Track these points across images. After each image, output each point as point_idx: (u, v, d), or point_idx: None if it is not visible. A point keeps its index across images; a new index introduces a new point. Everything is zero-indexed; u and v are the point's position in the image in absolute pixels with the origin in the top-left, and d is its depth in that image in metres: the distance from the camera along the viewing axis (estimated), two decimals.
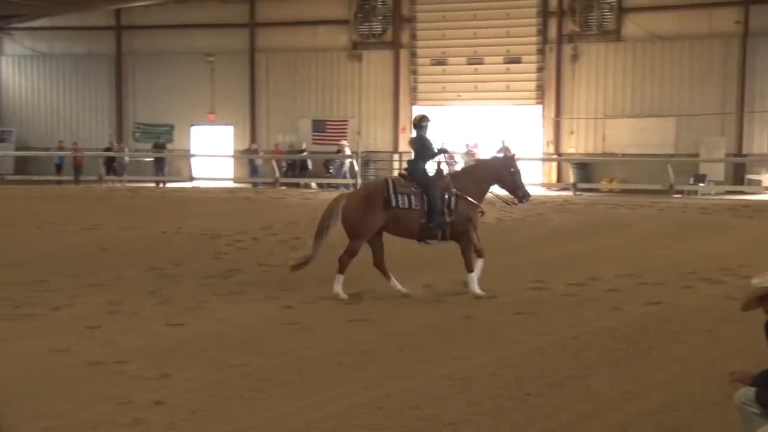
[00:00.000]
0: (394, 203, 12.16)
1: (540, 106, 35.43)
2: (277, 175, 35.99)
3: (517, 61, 35.59)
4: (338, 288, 12.01)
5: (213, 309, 11.33)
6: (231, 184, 37.37)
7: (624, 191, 31.80)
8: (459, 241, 12.40)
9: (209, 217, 23.34)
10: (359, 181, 34.46)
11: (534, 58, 35.45)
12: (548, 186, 34.36)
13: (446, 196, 12.24)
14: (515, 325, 10.48)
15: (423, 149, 12.61)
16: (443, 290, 12.63)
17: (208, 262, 15.46)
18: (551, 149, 35.18)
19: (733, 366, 8.26)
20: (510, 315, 11.05)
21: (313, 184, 35.75)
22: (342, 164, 36.34)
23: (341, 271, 12.15)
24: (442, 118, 36.81)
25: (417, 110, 36.71)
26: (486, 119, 36.08)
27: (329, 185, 35.30)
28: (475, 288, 12.17)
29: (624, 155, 33.32)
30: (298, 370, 8.40)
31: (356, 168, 34.84)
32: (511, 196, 13.11)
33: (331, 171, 36.73)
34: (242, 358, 8.72)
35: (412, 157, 12.76)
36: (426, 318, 10.88)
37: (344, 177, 35.58)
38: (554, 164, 35.10)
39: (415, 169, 12.52)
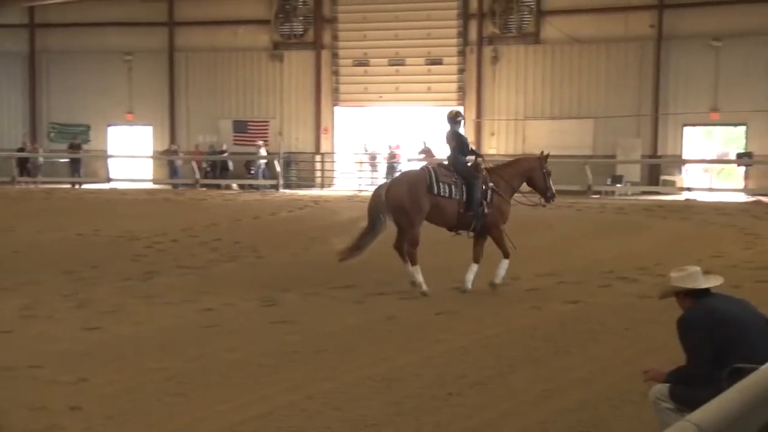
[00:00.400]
0: (435, 191, 12.56)
1: (461, 108, 35.73)
2: (198, 176, 35.60)
3: (439, 62, 35.84)
4: (419, 278, 12.40)
5: (131, 312, 11.16)
6: (150, 186, 36.83)
7: None
8: (490, 232, 12.90)
9: (127, 218, 22.97)
10: (281, 182, 34.31)
11: (455, 59, 35.72)
12: None
13: (484, 189, 12.74)
14: (438, 325, 10.56)
15: (461, 144, 13.13)
16: (367, 291, 12.64)
17: (127, 264, 15.22)
18: None
19: (650, 364, 8.47)
20: (432, 315, 11.12)
21: (235, 185, 35.45)
22: (258, 165, 36.14)
23: (414, 262, 12.50)
24: (364, 119, 36.98)
25: (339, 111, 36.85)
26: (408, 120, 36.25)
27: (251, 186, 35.05)
28: (501, 277, 12.70)
29: None
30: (219, 372, 8.32)
31: (278, 169, 34.66)
32: (538, 196, 13.81)
33: (252, 172, 36.48)
34: (161, 362, 8.61)
35: (450, 151, 13.22)
36: (349, 319, 10.88)
37: (261, 178, 35.39)
38: None
39: (456, 161, 13.02)
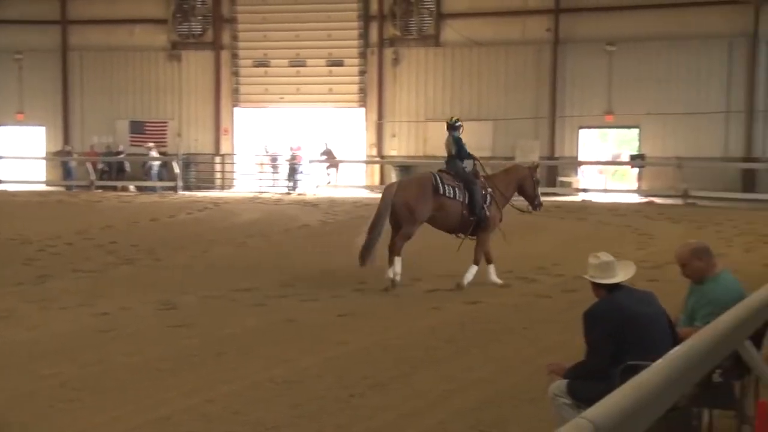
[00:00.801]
0: (442, 191, 13.16)
1: (363, 109, 35.80)
2: (93, 177, 34.81)
3: (340, 64, 35.86)
4: (398, 268, 12.90)
5: (24, 317, 10.85)
6: (43, 187, 35.84)
7: None
8: (479, 235, 13.44)
9: (19, 221, 22.32)
10: (180, 183, 33.81)
11: (356, 61, 35.78)
12: (371, 188, 34.76)
13: (484, 193, 13.43)
14: (339, 327, 10.55)
15: (460, 150, 13.72)
16: (268, 293, 12.55)
17: (18, 268, 14.77)
18: (374, 152, 35.60)
19: (549, 362, 8.62)
20: (334, 317, 11.10)
21: (132, 187, 34.77)
22: (150, 167, 35.58)
23: (398, 253, 12.97)
24: (265, 120, 36.72)
25: (239, 112, 36.53)
26: (309, 122, 36.16)
27: (149, 188, 34.44)
28: (469, 279, 13.17)
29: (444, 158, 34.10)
30: (116, 378, 8.15)
31: (177, 170, 34.13)
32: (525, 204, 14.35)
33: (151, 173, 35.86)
34: (56, 368, 8.39)
35: (448, 156, 13.85)
36: (249, 321, 10.78)
37: (155, 179, 34.87)
38: (377, 167, 35.53)
39: (455, 166, 13.63)
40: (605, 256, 6.12)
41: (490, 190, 13.57)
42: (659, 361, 3.75)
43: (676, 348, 3.88)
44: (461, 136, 13.90)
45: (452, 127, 13.87)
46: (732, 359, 5.42)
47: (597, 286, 6.12)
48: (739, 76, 31.33)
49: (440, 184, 13.20)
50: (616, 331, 5.78)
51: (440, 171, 13.71)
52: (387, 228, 13.35)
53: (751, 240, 18.53)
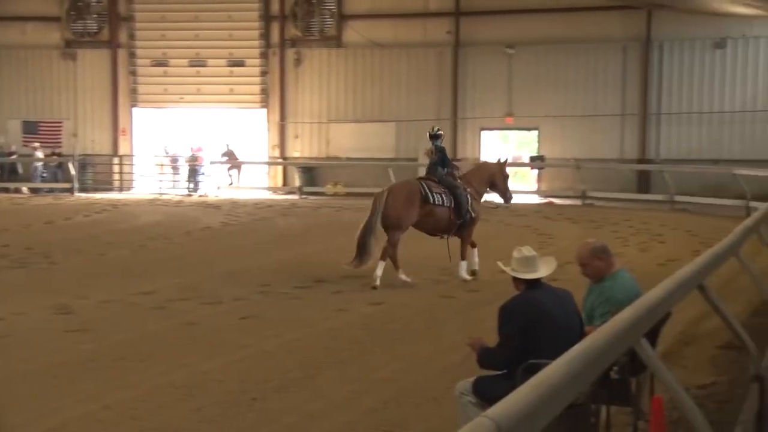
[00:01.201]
0: (431, 200, 13.88)
1: (264, 110, 35.55)
2: None
3: (241, 64, 35.53)
4: (380, 271, 13.40)
5: None
6: None
7: (348, 194, 32.56)
8: (463, 233, 14.26)
9: None
10: (76, 185, 33.03)
11: (257, 61, 35.50)
12: (274, 190, 34.59)
13: (465, 196, 14.19)
14: (241, 330, 10.46)
15: (444, 158, 14.70)
16: (167, 296, 12.36)
17: None
18: (276, 153, 35.40)
19: (451, 361, 8.72)
20: (236, 320, 11.00)
21: (25, 189, 33.81)
22: (35, 168, 34.68)
23: (383, 258, 13.56)
24: (164, 120, 36.14)
25: (137, 112, 35.89)
26: (210, 122, 35.74)
27: (46, 190, 33.53)
28: (464, 273, 14.06)
29: (348, 159, 34.15)
30: (10, 385, 7.91)
31: (73, 172, 33.32)
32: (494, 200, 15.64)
33: (44, 174, 34.92)
34: None
35: (430, 164, 14.71)
36: (149, 325, 10.60)
37: (38, 181, 34.02)
38: (280, 168, 35.35)
39: (438, 173, 14.39)
40: (528, 251, 6.20)
41: (469, 189, 14.43)
42: (558, 359, 3.81)
43: (575, 346, 3.95)
44: (443, 145, 15.04)
45: (435, 137, 14.86)
46: (628, 357, 5.55)
47: (517, 281, 6.20)
48: (634, 79, 32.15)
49: (429, 193, 13.90)
50: (529, 327, 5.86)
51: (425, 179, 14.45)
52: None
53: (645, 240, 19.06)
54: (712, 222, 22.13)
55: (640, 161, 31.84)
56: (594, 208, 26.09)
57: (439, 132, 14.95)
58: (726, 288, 12.20)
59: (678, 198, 27.10)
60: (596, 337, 4.12)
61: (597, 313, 6.54)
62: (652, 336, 5.95)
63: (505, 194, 15.53)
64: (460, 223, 14.15)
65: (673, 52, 31.74)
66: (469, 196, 14.33)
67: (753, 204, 22.46)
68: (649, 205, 27.68)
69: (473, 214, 14.30)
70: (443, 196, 14.02)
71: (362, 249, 13.58)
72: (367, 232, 13.64)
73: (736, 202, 25.01)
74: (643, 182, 31.31)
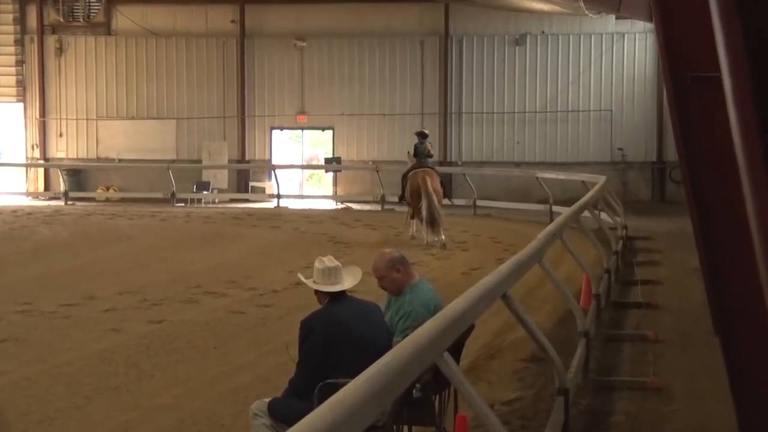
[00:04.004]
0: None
1: (21, 104, 34.18)
2: None
3: None
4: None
5: None
6: None
7: (123, 200, 31.78)
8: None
9: None
10: None
11: (12, 49, 34.03)
12: (35, 195, 33.27)
13: None
14: None
15: (429, 154, 21.44)
16: None
17: None
18: (37, 154, 34.10)
19: (240, 382, 8.69)
20: None
21: None
22: None
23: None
24: None
25: None
26: None
27: None
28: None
29: (121, 161, 33.34)
30: None
31: None
32: None
33: None
34: None
35: (424, 157, 21.06)
36: None
37: None
38: (41, 170, 34.08)
39: (429, 164, 21.02)
40: (330, 261, 6.24)
41: None
42: (357, 377, 3.87)
43: (374, 364, 4.02)
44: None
45: (425, 135, 21.59)
46: (431, 373, 5.70)
47: (319, 293, 6.23)
48: (433, 76, 32.94)
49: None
50: (329, 343, 5.91)
51: (429, 167, 20.58)
52: None
53: (447, 247, 19.62)
54: (515, 227, 23.10)
55: (442, 164, 32.71)
56: (394, 214, 26.62)
57: (427, 132, 22.39)
58: (530, 297, 12.77)
59: (480, 203, 28.04)
60: (397, 352, 4.19)
61: (398, 329, 6.64)
62: (456, 350, 6.13)
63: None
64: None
65: (473, 48, 32.85)
66: None
67: (556, 209, 23.59)
68: (451, 209, 28.43)
69: None
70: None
71: (434, 222, 19.20)
72: (432, 209, 19.19)
73: (539, 206, 26.20)
74: (445, 186, 32.16)
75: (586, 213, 14.25)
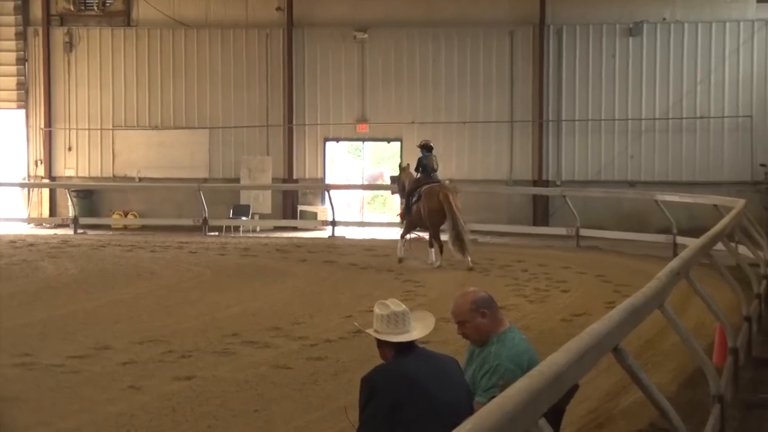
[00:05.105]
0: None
1: (23, 111, 34.76)
2: None
3: None
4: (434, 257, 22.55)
5: None
6: None
7: (144, 228, 32.12)
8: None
9: None
10: None
11: (13, 44, 34.67)
12: (38, 222, 33.81)
13: None
14: None
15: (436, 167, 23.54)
16: None
17: None
18: (41, 171, 34.62)
19: None
20: None
21: None
22: None
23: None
24: None
25: None
26: None
27: None
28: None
29: (142, 180, 33.66)
30: None
31: None
32: None
33: None
34: None
35: (432, 171, 23.18)
36: None
37: None
38: (46, 192, 34.60)
39: (437, 178, 23.32)
40: (395, 306, 6.23)
41: None
42: None
43: None
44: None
45: (430, 148, 23.19)
46: None
47: (383, 344, 6.23)
48: (525, 74, 32.79)
49: None
50: (396, 406, 5.91)
51: (436, 183, 22.74)
52: None
53: (543, 287, 19.48)
54: (629, 263, 22.89)
55: (536, 183, 32.53)
56: (476, 245, 26.58)
57: (432, 144, 23.61)
58: (648, 351, 12.63)
59: (585, 232, 27.85)
60: (480, 419, 4.18)
61: (481, 388, 6.61)
62: (556, 416, 6.09)
63: None
64: None
65: (576, 40, 32.76)
66: None
67: (681, 240, 23.34)
68: (548, 240, 28.36)
69: None
70: None
71: (462, 242, 21.67)
72: (459, 228, 21.65)
73: (660, 237, 25.94)
74: (540, 211, 32.04)
75: (719, 245, 14.06)
